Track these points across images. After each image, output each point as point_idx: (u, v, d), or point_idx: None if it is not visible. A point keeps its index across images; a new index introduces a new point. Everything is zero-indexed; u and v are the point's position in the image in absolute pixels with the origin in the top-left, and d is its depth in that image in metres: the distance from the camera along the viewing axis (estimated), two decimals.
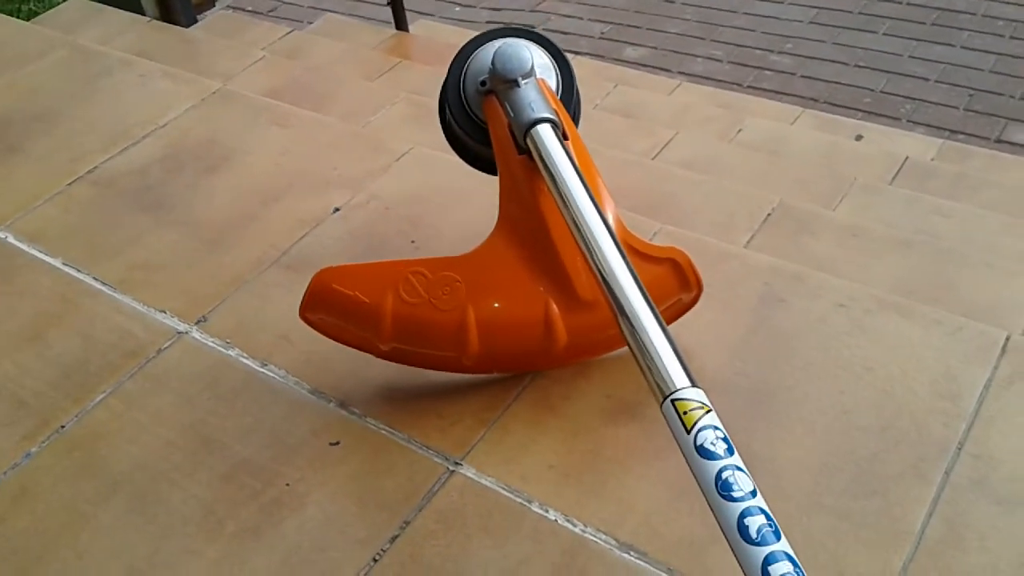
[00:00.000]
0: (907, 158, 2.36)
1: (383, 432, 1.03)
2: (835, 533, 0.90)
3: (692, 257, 1.05)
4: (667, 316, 1.11)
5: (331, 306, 1.00)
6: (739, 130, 2.54)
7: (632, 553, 0.90)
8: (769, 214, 1.64)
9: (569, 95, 1.12)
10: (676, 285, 1.06)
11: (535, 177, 0.99)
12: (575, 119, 1.12)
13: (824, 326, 1.12)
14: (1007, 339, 1.07)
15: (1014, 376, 1.03)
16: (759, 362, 1.08)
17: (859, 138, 2.72)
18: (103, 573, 0.92)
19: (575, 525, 0.93)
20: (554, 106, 1.02)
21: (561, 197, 0.93)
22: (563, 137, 0.99)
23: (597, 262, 0.86)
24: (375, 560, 0.91)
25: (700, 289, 1.07)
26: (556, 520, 0.94)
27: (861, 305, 1.14)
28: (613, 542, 0.91)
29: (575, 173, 0.93)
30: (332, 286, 0.99)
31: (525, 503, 0.95)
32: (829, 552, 0.88)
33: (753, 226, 1.60)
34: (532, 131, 0.98)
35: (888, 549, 0.88)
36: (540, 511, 0.94)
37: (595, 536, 0.92)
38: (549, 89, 1.07)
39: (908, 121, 3.10)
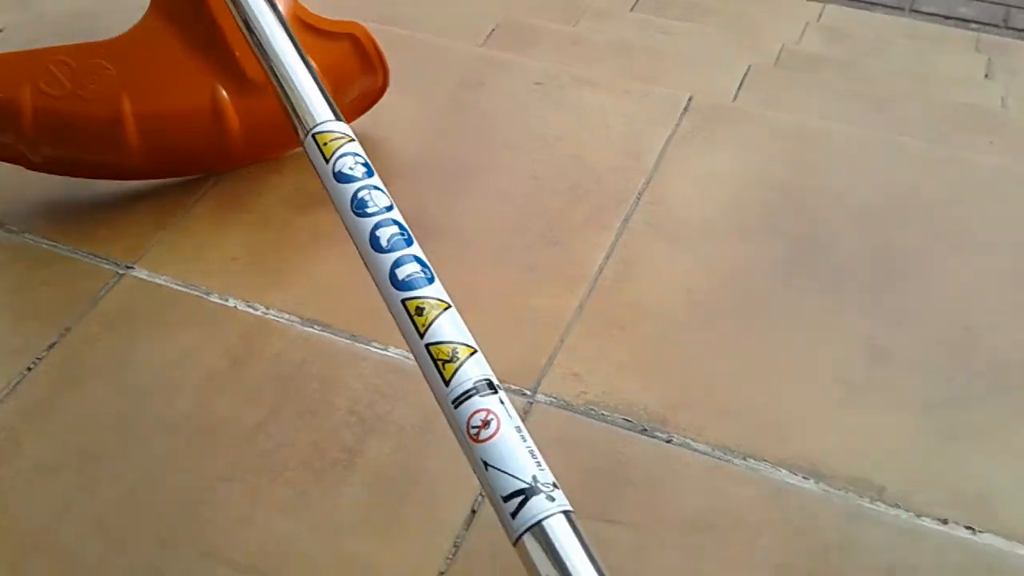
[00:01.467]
0: None
1: (43, 245, 0.93)
2: (519, 283, 0.90)
3: (393, 51, 0.99)
4: (358, 106, 1.06)
5: None
6: None
7: (316, 327, 0.86)
8: (493, 30, 1.61)
9: None
10: (357, 65, 1.00)
11: None
12: None
13: (520, 103, 1.10)
14: (689, 99, 1.10)
15: (694, 131, 1.06)
16: (457, 143, 1.06)
17: None
18: None
19: (256, 309, 0.88)
20: None
21: None
22: None
23: (242, 14, 0.78)
24: (29, 369, 0.82)
25: (385, 70, 1.02)
26: (235, 307, 0.88)
27: (556, 82, 1.13)
28: (296, 319, 0.87)
29: None
30: None
31: (203, 295, 0.89)
32: (513, 300, 0.88)
33: (477, 41, 1.56)
34: None
35: (567, 290, 0.89)
36: (219, 300, 0.89)
37: (277, 316, 0.87)
38: None
39: None
